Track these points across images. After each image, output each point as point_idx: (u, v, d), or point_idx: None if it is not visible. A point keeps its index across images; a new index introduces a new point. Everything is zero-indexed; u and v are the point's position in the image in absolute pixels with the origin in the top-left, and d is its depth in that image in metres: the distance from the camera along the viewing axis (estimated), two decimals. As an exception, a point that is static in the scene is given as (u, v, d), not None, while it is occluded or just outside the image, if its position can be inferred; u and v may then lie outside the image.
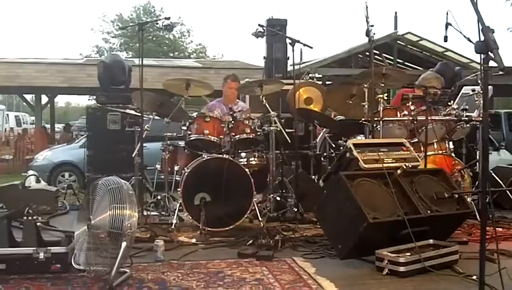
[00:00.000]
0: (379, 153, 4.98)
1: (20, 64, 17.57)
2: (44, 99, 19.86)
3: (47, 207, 6.56)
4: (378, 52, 19.01)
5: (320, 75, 8.86)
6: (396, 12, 19.79)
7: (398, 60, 19.39)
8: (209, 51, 43.42)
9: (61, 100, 59.82)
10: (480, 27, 2.48)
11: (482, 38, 2.47)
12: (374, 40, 6.16)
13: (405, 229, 4.39)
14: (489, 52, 2.43)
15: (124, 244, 3.92)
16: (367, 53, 20.16)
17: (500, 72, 6.29)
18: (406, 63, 20.34)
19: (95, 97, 8.22)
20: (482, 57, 2.45)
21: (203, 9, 79.90)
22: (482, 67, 2.42)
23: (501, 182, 6.65)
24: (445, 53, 18.61)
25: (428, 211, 4.67)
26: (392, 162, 4.96)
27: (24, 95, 20.37)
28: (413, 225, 4.43)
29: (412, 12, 76.38)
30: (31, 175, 7.32)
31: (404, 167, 4.79)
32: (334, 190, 4.77)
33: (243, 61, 20.49)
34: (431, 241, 4.63)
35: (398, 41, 19.10)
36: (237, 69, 14.25)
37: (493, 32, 2.45)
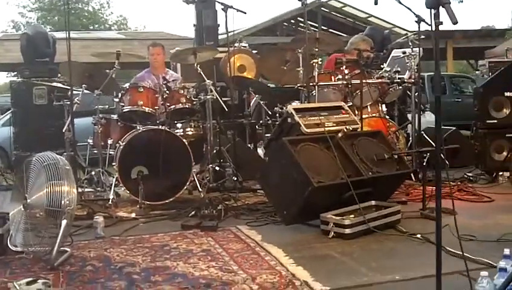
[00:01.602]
0: (320, 117, 4.97)
1: None
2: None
3: (-27, 189, 6.23)
4: (302, 19, 19.04)
5: (247, 44, 8.74)
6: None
7: (322, 27, 19.51)
8: (130, 22, 42.36)
9: (-24, 78, 57.16)
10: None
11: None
12: (307, 3, 6.12)
13: (348, 192, 4.42)
14: (440, 7, 2.40)
15: (64, 222, 3.74)
16: (292, 21, 20.25)
17: (422, 37, 6.43)
18: (331, 30, 20.49)
19: (16, 73, 7.80)
20: (433, 12, 2.41)
21: (121, -20, 77.53)
22: (434, 23, 2.39)
23: (432, 143, 6.81)
24: (368, 19, 18.89)
25: (370, 173, 4.72)
26: (333, 126, 4.97)
27: None
28: (356, 187, 4.46)
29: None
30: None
31: (345, 130, 4.80)
32: (277, 156, 4.74)
33: (168, 32, 20.13)
34: (373, 202, 4.69)
35: (322, 8, 19.20)
36: (163, 40, 13.93)
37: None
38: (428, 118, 11.85)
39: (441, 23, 2.40)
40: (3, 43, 16.64)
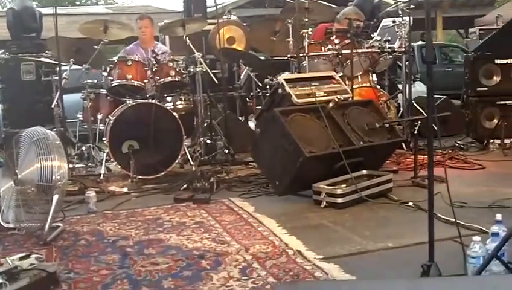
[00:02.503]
0: (311, 87, 4.94)
1: None
2: None
3: (-37, 166, 6.17)
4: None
5: (235, 17, 8.64)
6: None
7: (312, -2, 19.33)
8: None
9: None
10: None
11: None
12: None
13: (340, 162, 4.42)
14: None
15: (55, 197, 3.72)
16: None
17: (412, 6, 6.38)
18: (320, 1, 20.32)
19: (1, 51, 7.68)
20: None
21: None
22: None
23: (423, 112, 6.80)
24: (358, -12, 18.71)
25: (361, 142, 4.72)
26: (324, 96, 4.94)
27: None
28: (348, 157, 4.46)
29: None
30: None
31: (336, 99, 4.79)
32: (268, 127, 4.73)
33: (155, 6, 19.94)
34: (365, 171, 4.70)
35: (312, -21, 19.01)
36: (152, 13, 13.77)
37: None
38: (419, 88, 11.82)
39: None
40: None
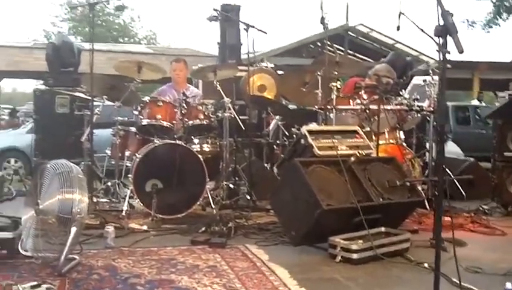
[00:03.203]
0: (333, 140, 4.98)
1: (-35, 46, 16.96)
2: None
3: (-8, 193, 6.34)
4: (329, 42, 19.08)
5: (272, 65, 8.83)
6: (347, 4, 19.98)
7: (349, 51, 19.57)
8: (160, 37, 42.89)
9: (7, 85, 57.99)
10: (440, 11, 2.47)
11: (441, 23, 2.47)
12: (328, 28, 6.16)
13: (358, 217, 4.42)
14: (448, 36, 2.42)
15: (73, 229, 3.80)
16: (318, 43, 20.33)
17: (448, 66, 6.44)
18: (357, 54, 20.55)
19: (42, 81, 7.94)
20: (441, 41, 2.43)
21: (153, -5, 78.56)
22: (441, 51, 2.41)
23: (450, 173, 6.77)
24: (395, 45, 18.92)
25: (381, 199, 4.71)
26: (346, 150, 4.98)
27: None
28: (366, 213, 4.45)
29: (363, 4, 77.12)
30: (-25, 160, 7.06)
31: (358, 154, 4.81)
32: (288, 177, 4.76)
33: (194, 49, 20.36)
34: (383, 229, 4.66)
35: (349, 32, 19.28)
36: (188, 56, 14.10)
37: (452, 16, 2.46)
38: (450, 148, 11.79)
39: (448, 52, 2.42)
40: (33, 52, 16.98)
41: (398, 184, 4.88)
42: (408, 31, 5.93)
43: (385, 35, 18.97)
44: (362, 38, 19.79)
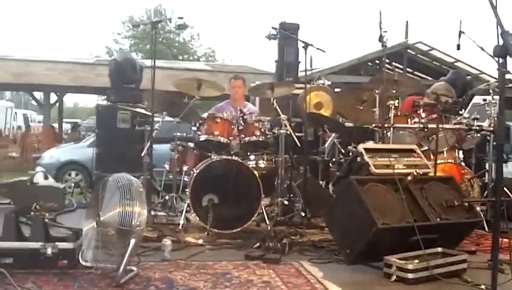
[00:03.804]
0: (390, 159, 4.95)
1: (30, 62, 17.64)
2: (53, 98, 19.88)
3: (54, 204, 6.50)
4: (388, 60, 18.97)
5: (330, 82, 8.82)
6: (407, 21, 19.80)
7: (408, 69, 19.35)
8: (218, 55, 43.42)
9: (69, 100, 59.63)
10: (499, 31, 2.46)
11: (501, 42, 2.45)
12: (387, 46, 6.14)
13: (414, 236, 4.36)
14: (508, 56, 2.41)
15: (132, 241, 3.91)
16: (377, 61, 20.21)
17: (510, 85, 6.31)
18: (416, 72, 20.29)
19: (105, 96, 8.19)
20: (500, 61, 2.42)
21: (212, 13, 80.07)
22: (500, 71, 2.40)
23: (510, 194, 6.60)
24: (455, 63, 18.58)
25: (438, 219, 4.64)
26: (403, 168, 4.93)
27: (33, 93, 20.38)
28: (422, 232, 4.39)
29: (423, 22, 76.33)
30: (39, 171, 7.30)
31: (415, 173, 4.76)
32: (344, 194, 4.76)
33: (251, 66, 20.56)
34: (439, 249, 4.59)
35: (409, 50, 19.08)
36: (246, 73, 14.26)
37: (512, 36, 2.44)
38: (511, 169, 11.46)
39: (508, 72, 2.40)
40: (95, 68, 17.51)
41: (455, 204, 4.81)
42: (468, 49, 5.88)
43: (445, 54, 18.67)
44: (421, 56, 19.54)
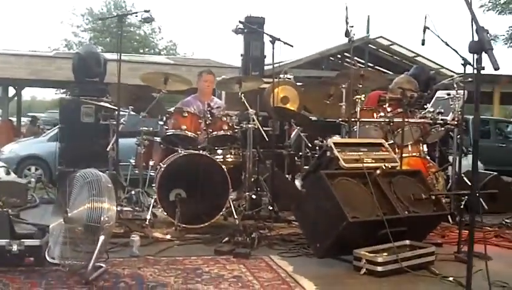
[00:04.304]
0: (359, 153, 4.99)
1: (-14, 55, 17.16)
2: (11, 91, 19.45)
3: (17, 200, 6.42)
4: (349, 55, 19.11)
5: (292, 76, 8.83)
6: (368, 16, 20.00)
7: (369, 64, 19.55)
8: (180, 48, 43.10)
9: (26, 93, 58.63)
10: (475, 27, 2.48)
11: (476, 39, 2.48)
12: (354, 40, 6.17)
13: (383, 229, 4.41)
14: (483, 52, 2.43)
15: (101, 237, 3.85)
16: (338, 56, 20.37)
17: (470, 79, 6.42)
18: (377, 67, 20.52)
19: (63, 90, 8.04)
20: (476, 57, 2.44)
21: (173, 6, 79.44)
22: (476, 68, 2.42)
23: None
24: (415, 58, 18.88)
25: (406, 212, 4.70)
26: (372, 162, 4.98)
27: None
28: (391, 225, 4.45)
29: (384, 17, 77.21)
30: (1, 167, 7.15)
31: (384, 167, 4.81)
32: (313, 189, 4.78)
33: (214, 60, 20.46)
34: (407, 242, 4.65)
35: (370, 45, 19.28)
36: (210, 67, 14.16)
37: (487, 32, 2.47)
38: (470, 161, 11.68)
39: (483, 68, 2.43)
40: (55, 61, 17.17)
41: (423, 197, 4.88)
42: (429, 44, 5.97)
43: (406, 48, 18.94)
44: (382, 51, 19.77)
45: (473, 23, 2.47)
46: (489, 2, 25.84)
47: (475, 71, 2.44)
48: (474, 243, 4.58)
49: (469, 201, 4.85)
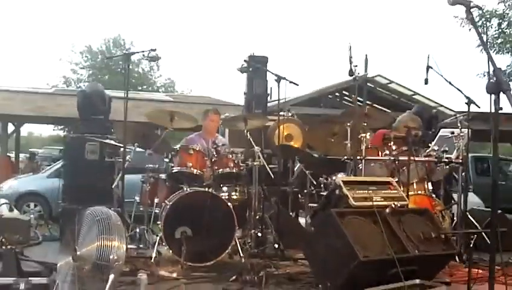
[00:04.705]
0: (368, 191, 4.98)
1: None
2: (10, 128, 19.46)
3: (20, 237, 6.36)
4: (348, 93, 19.25)
5: (290, 114, 8.93)
6: (366, 55, 20.14)
7: (367, 102, 19.64)
8: (178, 85, 43.39)
9: (23, 129, 58.62)
10: (492, 68, 2.51)
11: (494, 79, 2.50)
12: (358, 79, 6.23)
13: (394, 268, 4.37)
14: (500, 92, 2.46)
15: (111, 276, 3.80)
16: (337, 94, 20.48)
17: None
18: (375, 105, 20.61)
19: (61, 127, 8.05)
20: (493, 98, 2.47)
21: (172, 44, 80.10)
22: (494, 108, 2.44)
23: (477, 224, 6.71)
24: (413, 96, 18.98)
25: (416, 251, 4.66)
26: (381, 201, 4.96)
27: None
28: (402, 264, 4.41)
29: (381, 56, 77.91)
30: (4, 203, 7.11)
31: (393, 205, 4.80)
32: (323, 227, 4.75)
33: (213, 97, 20.58)
34: (417, 281, 4.61)
35: (368, 83, 19.40)
36: (209, 105, 14.24)
37: (504, 73, 2.49)
38: (472, 199, 11.67)
39: (501, 108, 2.45)
40: (55, 98, 17.25)
41: (433, 236, 4.85)
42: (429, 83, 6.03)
43: (404, 87, 19.07)
44: (381, 89, 19.89)
45: (490, 63, 2.51)
46: (486, 41, 26.16)
47: (494, 111, 2.45)
48: (480, 281, 4.62)
49: (489, 239, 4.82)
